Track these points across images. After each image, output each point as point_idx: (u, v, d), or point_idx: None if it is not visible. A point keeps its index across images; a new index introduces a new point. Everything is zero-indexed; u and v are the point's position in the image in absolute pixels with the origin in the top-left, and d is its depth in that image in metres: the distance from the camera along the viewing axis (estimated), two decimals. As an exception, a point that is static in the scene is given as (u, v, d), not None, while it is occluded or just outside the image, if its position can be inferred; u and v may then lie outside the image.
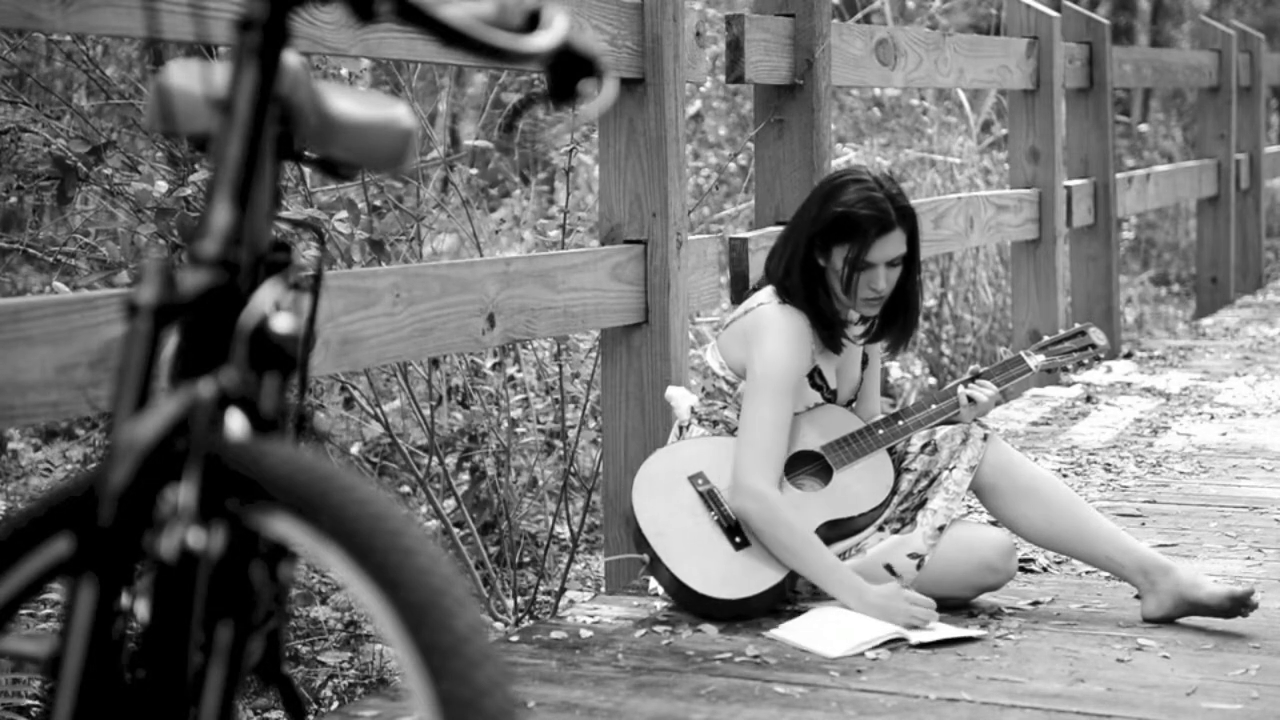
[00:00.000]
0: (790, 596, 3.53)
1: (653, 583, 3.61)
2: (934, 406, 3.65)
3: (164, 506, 1.57)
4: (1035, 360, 3.76)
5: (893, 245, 3.53)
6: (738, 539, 3.47)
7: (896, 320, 3.65)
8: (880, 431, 3.62)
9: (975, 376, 3.69)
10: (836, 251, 3.54)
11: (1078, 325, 3.90)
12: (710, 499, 3.51)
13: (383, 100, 2.00)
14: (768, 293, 3.62)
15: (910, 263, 3.59)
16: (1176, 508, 4.61)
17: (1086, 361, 3.82)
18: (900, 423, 3.63)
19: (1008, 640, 3.35)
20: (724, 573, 3.44)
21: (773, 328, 3.55)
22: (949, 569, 3.52)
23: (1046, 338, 3.86)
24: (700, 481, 3.54)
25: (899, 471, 3.63)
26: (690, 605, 3.47)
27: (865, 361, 3.78)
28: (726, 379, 3.63)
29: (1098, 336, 3.85)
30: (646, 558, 3.49)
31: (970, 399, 3.63)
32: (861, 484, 3.56)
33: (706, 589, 3.43)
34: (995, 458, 3.59)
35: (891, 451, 3.65)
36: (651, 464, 3.58)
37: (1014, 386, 3.74)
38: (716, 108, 9.23)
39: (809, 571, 3.43)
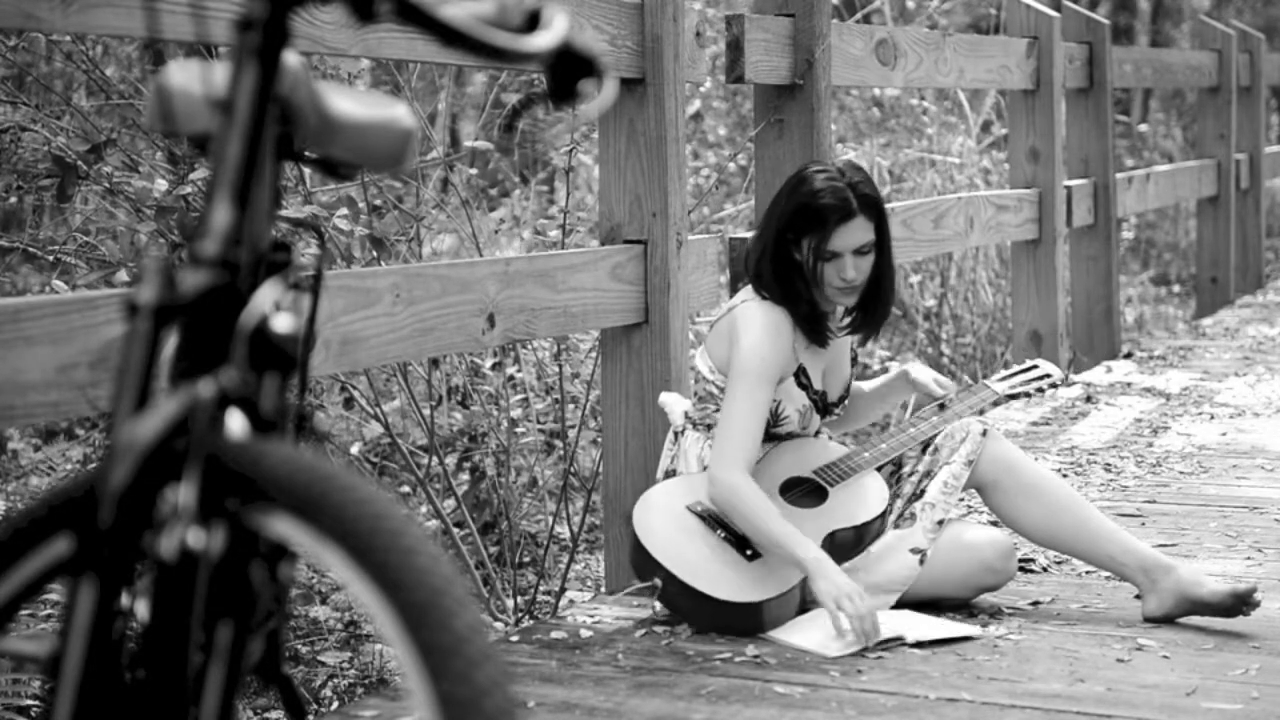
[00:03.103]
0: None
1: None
2: (913, 429, 3.68)
3: (164, 506, 1.57)
4: (999, 387, 3.87)
5: (856, 233, 3.53)
6: (748, 551, 3.46)
7: (874, 305, 3.65)
8: (866, 454, 3.64)
9: (942, 406, 3.73)
10: (805, 242, 3.55)
11: (1029, 360, 4.08)
12: (713, 519, 3.50)
13: (383, 100, 2.00)
14: (747, 290, 3.64)
15: (881, 251, 3.59)
16: (1176, 508, 4.61)
17: (1045, 388, 3.94)
18: (883, 445, 3.66)
19: (1008, 640, 3.35)
20: (740, 580, 3.42)
21: (749, 322, 3.56)
22: (949, 569, 3.52)
23: (1003, 370, 4.03)
24: (699, 506, 3.53)
25: (901, 477, 3.64)
26: (707, 618, 3.42)
27: (854, 358, 3.79)
28: (716, 383, 3.63)
29: (1050, 368, 3.99)
30: (658, 581, 3.46)
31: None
32: (856, 499, 3.57)
33: (726, 594, 3.39)
34: (998, 455, 3.60)
35: (881, 468, 3.66)
36: (648, 497, 3.57)
37: (979, 409, 3.81)
38: (716, 108, 9.23)
39: (774, 542, 3.38)
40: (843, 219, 3.52)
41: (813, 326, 3.61)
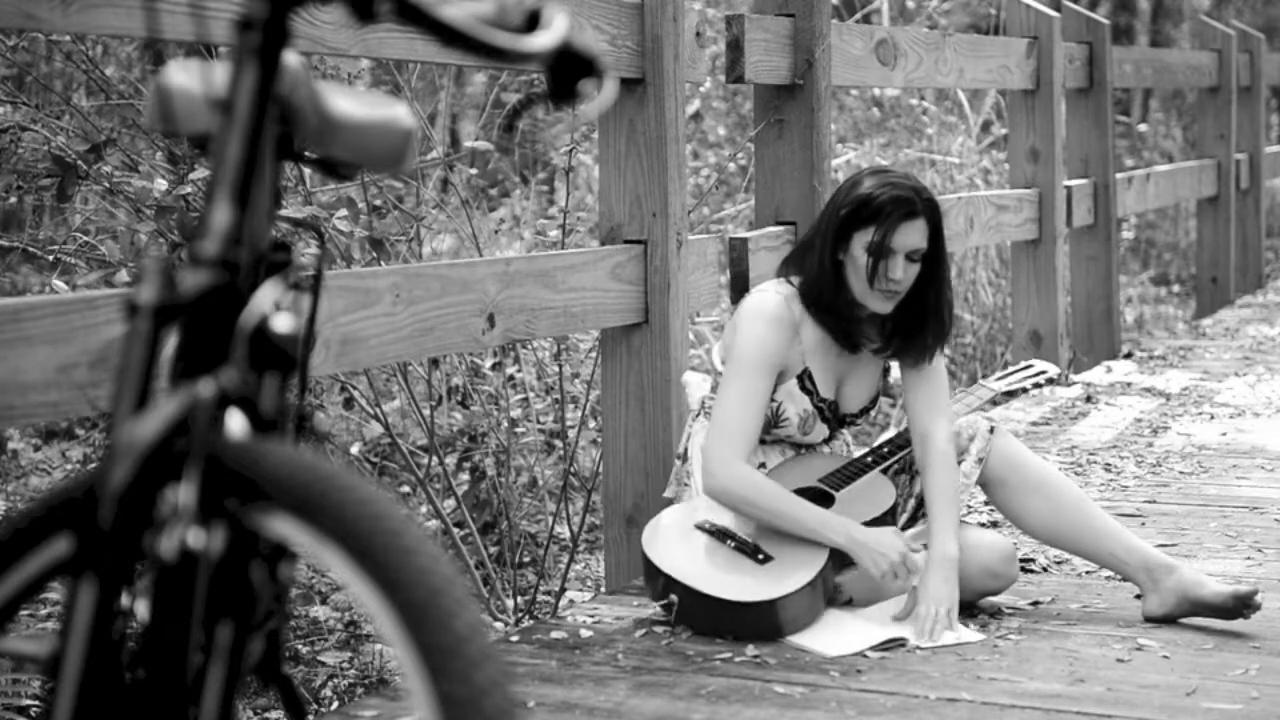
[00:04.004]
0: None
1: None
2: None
3: (164, 506, 1.57)
4: (995, 385, 3.93)
5: (915, 234, 3.47)
6: (760, 556, 3.45)
7: (919, 329, 3.57)
8: (869, 459, 3.64)
9: None
10: (858, 238, 3.47)
11: (1024, 361, 4.16)
12: (722, 533, 3.49)
13: (383, 100, 2.00)
14: (768, 283, 3.62)
15: (935, 265, 3.52)
16: (1176, 508, 4.61)
17: (1041, 383, 4.00)
18: (885, 449, 3.66)
19: (1008, 640, 3.35)
20: (753, 582, 3.40)
21: (750, 310, 3.55)
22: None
23: (1000, 372, 4.09)
24: (708, 525, 3.52)
25: (913, 477, 3.64)
26: (726, 626, 3.40)
27: (886, 372, 3.75)
28: None
29: (1045, 365, 4.05)
30: (674, 598, 3.44)
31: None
32: (864, 499, 3.56)
33: (740, 596, 3.38)
34: (1005, 452, 3.59)
35: (889, 470, 3.66)
36: (657, 520, 3.56)
37: (977, 408, 3.83)
38: (716, 108, 9.23)
39: (792, 523, 3.40)
40: (907, 215, 3.45)
41: (846, 328, 3.55)
